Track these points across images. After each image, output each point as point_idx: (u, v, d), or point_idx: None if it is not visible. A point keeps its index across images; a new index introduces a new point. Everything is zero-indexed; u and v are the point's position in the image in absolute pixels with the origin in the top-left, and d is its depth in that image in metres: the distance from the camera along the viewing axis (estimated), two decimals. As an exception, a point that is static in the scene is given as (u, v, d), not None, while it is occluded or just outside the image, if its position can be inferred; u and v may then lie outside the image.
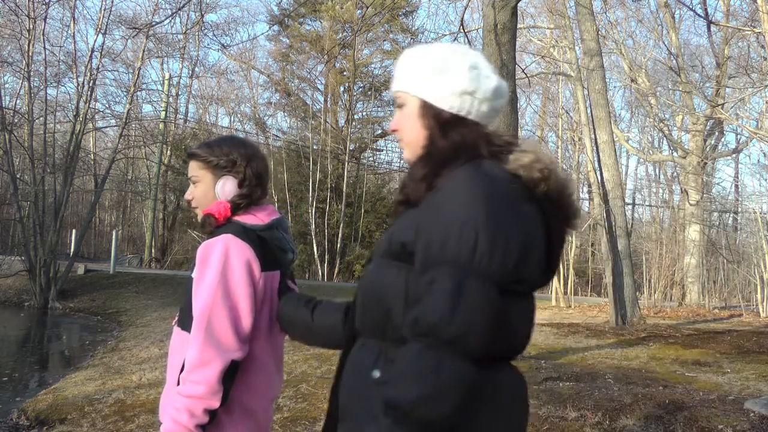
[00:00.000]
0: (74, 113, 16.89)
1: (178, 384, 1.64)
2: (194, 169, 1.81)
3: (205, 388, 1.56)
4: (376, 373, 1.26)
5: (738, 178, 28.49)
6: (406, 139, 1.42)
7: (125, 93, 21.68)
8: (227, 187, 1.77)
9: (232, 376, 1.61)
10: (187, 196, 1.84)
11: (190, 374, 1.57)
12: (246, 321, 1.64)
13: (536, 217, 1.29)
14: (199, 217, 1.80)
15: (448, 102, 1.36)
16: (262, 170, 1.82)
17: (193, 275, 1.70)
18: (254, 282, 1.67)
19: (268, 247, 1.74)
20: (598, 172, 11.68)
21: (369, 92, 25.91)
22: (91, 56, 16.91)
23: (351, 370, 1.35)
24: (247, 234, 1.70)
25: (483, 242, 1.18)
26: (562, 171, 1.33)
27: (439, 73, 1.37)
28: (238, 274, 1.64)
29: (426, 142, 1.38)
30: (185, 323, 1.72)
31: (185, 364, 1.60)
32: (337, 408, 1.37)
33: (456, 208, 1.21)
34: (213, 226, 1.73)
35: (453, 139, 1.34)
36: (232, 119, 30.65)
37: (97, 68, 17.38)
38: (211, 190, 1.79)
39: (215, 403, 1.58)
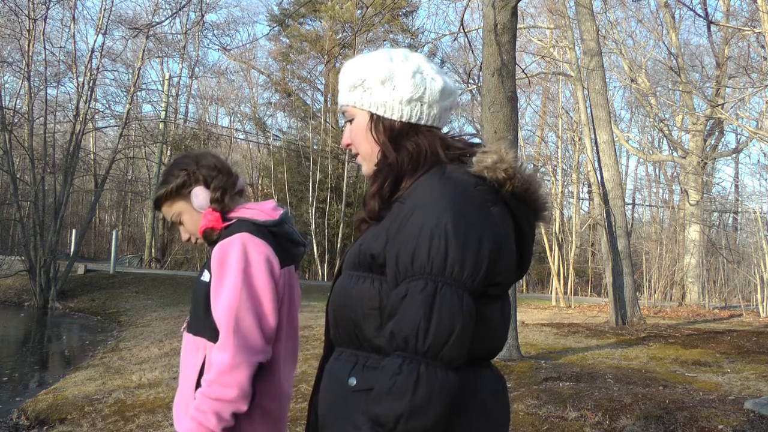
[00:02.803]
0: (74, 113, 16.90)
1: (197, 388, 1.63)
2: (167, 211, 1.80)
3: (236, 391, 1.54)
4: (353, 381, 1.26)
5: (738, 178, 28.50)
6: (362, 153, 1.41)
7: (125, 93, 21.71)
8: (200, 196, 1.75)
9: (256, 378, 1.60)
10: (184, 237, 1.81)
11: (220, 377, 1.54)
12: (271, 321, 1.63)
13: (505, 217, 1.29)
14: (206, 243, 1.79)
15: (398, 112, 1.35)
16: (215, 161, 1.81)
17: (204, 278, 1.67)
18: (275, 280, 1.65)
19: (280, 242, 1.71)
20: (598, 172, 11.69)
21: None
22: (91, 56, 16.94)
23: (329, 380, 1.34)
24: (260, 231, 1.68)
25: (453, 251, 1.18)
26: (526, 167, 1.33)
27: (384, 84, 1.35)
28: (259, 272, 1.61)
29: (378, 158, 1.37)
30: (198, 328, 1.69)
31: (213, 367, 1.56)
32: (317, 418, 1.37)
33: (423, 218, 1.20)
34: (216, 235, 1.71)
35: (407, 148, 1.33)
36: (232, 119, 30.71)
37: (97, 68, 17.40)
38: (194, 213, 1.77)
39: (244, 407, 1.57)
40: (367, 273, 1.29)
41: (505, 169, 1.27)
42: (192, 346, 1.70)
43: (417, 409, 1.12)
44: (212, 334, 1.64)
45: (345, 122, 1.44)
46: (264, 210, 1.74)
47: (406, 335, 1.16)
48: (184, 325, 1.78)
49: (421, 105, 1.35)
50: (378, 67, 1.37)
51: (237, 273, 1.59)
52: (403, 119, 1.35)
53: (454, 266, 1.17)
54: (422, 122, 1.36)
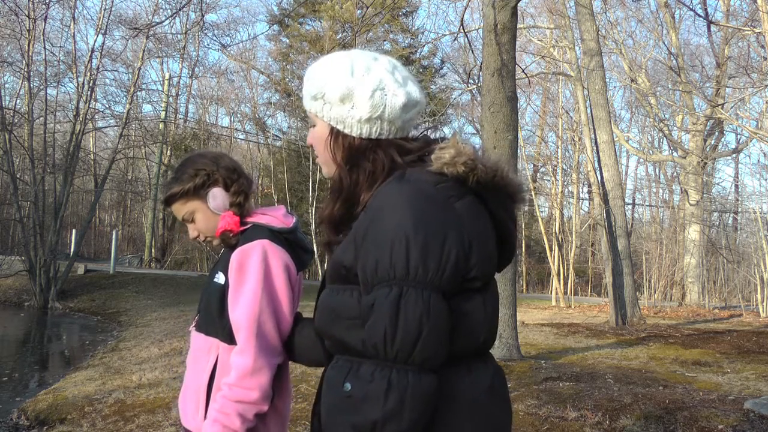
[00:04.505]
0: (74, 113, 16.90)
1: (209, 388, 1.66)
2: (180, 209, 1.79)
3: (259, 393, 1.58)
4: (348, 386, 1.26)
5: (738, 178, 28.52)
6: (321, 159, 1.41)
7: (125, 93, 21.71)
8: (219, 198, 1.76)
9: (274, 379, 1.64)
10: (193, 235, 1.81)
11: (242, 381, 1.58)
12: (287, 325, 1.66)
13: (475, 209, 1.28)
14: (216, 242, 1.79)
15: (357, 130, 1.34)
16: (232, 163, 1.82)
17: (218, 279, 1.71)
18: (292, 285, 1.69)
19: (294, 250, 1.75)
20: (598, 172, 11.69)
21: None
22: (91, 56, 16.94)
23: (326, 387, 1.34)
24: (277, 238, 1.71)
25: (414, 253, 1.18)
26: (489, 156, 1.32)
27: (342, 102, 1.34)
28: (278, 279, 1.65)
29: (335, 177, 1.37)
30: (210, 329, 1.71)
31: (234, 370, 1.59)
32: (320, 425, 1.37)
33: (384, 225, 1.21)
34: (235, 239, 1.73)
35: (365, 169, 1.33)
36: (232, 119, 30.69)
37: (97, 68, 17.41)
38: (209, 213, 1.77)
39: (265, 407, 1.61)
40: (345, 285, 1.30)
41: (464, 162, 1.26)
42: (203, 345, 1.73)
43: (390, 415, 1.14)
44: (226, 336, 1.67)
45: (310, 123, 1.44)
46: (277, 216, 1.77)
47: (375, 342, 1.17)
48: (193, 323, 1.80)
49: (381, 122, 1.34)
50: (337, 82, 1.34)
51: (258, 279, 1.62)
52: (363, 136, 1.35)
53: (417, 269, 1.18)
54: (383, 137, 1.35)
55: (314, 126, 1.41)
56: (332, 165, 1.39)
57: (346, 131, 1.35)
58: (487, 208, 1.32)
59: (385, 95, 1.34)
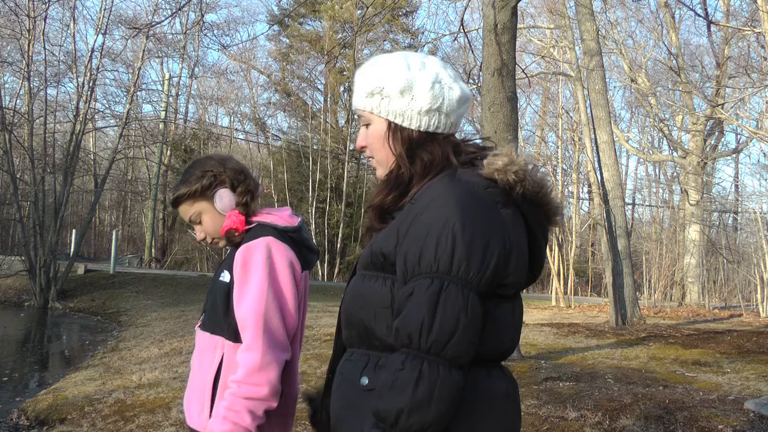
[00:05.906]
0: (74, 113, 16.90)
1: (214, 387, 1.67)
2: (187, 210, 1.81)
3: (267, 389, 1.59)
4: (365, 380, 1.27)
5: (738, 178, 28.50)
6: (377, 158, 1.41)
7: (125, 93, 21.71)
8: (225, 198, 1.78)
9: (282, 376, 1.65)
10: (200, 236, 1.83)
11: (251, 377, 1.58)
12: (292, 322, 1.68)
13: (516, 220, 1.30)
14: (222, 243, 1.80)
15: (416, 122, 1.35)
16: (239, 165, 1.85)
17: (223, 278, 1.72)
18: (296, 282, 1.70)
19: (299, 248, 1.76)
20: (598, 172, 11.68)
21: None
22: (91, 56, 16.94)
23: (340, 380, 1.35)
24: (282, 236, 1.72)
25: (460, 250, 1.19)
26: (537, 170, 1.33)
27: (402, 94, 1.35)
28: (283, 275, 1.66)
29: (392, 167, 1.38)
30: (216, 327, 1.72)
31: (241, 367, 1.60)
32: (328, 419, 1.37)
33: (432, 218, 1.22)
34: (239, 237, 1.74)
35: (422, 159, 1.34)
36: (232, 119, 30.70)
37: (97, 68, 17.40)
38: (215, 214, 1.79)
39: (275, 404, 1.61)
40: (378, 273, 1.30)
41: (515, 171, 1.28)
42: (208, 343, 1.74)
43: (418, 404, 1.14)
44: (231, 333, 1.68)
45: (360, 125, 1.44)
46: (282, 216, 1.79)
47: (410, 332, 1.17)
48: (198, 323, 1.81)
49: (439, 115, 1.36)
50: (397, 75, 1.36)
51: (262, 275, 1.64)
52: (422, 129, 1.36)
53: (461, 265, 1.19)
54: (439, 131, 1.37)
55: (368, 125, 1.41)
56: (389, 163, 1.39)
57: (405, 124, 1.36)
58: (525, 222, 1.33)
59: (443, 88, 1.36)
